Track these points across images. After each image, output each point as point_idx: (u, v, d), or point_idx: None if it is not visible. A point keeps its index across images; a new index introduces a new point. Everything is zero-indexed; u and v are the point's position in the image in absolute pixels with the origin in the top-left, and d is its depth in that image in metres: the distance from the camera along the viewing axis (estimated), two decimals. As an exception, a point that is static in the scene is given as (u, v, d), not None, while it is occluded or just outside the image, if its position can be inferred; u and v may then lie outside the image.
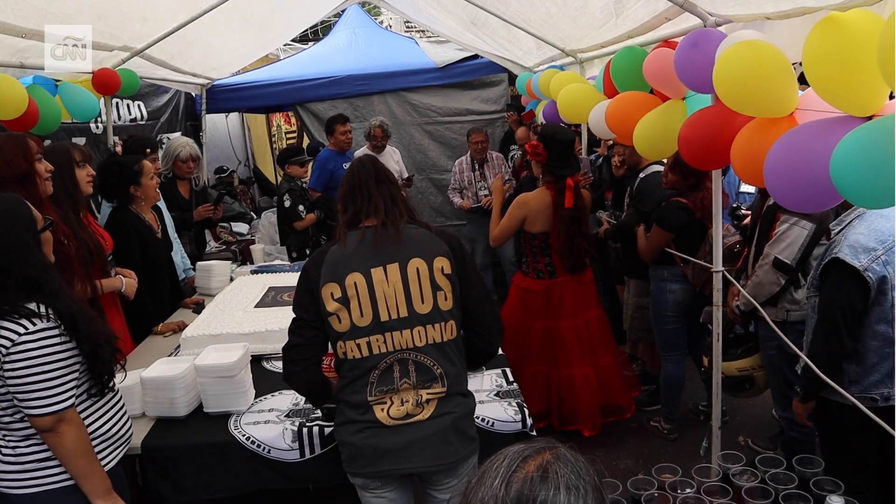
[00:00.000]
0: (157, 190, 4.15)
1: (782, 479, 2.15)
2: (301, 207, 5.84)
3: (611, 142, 5.00)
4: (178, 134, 6.89)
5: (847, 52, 1.82)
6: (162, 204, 4.70)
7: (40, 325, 2.03)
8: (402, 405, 2.26)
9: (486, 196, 6.52)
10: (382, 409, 2.26)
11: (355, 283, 2.23)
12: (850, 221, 2.62)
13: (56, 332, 2.06)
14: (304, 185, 6.00)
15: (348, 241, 2.30)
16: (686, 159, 2.95)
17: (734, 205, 4.59)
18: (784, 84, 2.24)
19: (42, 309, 2.05)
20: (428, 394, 2.27)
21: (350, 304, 2.23)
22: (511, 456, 1.02)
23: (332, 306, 2.24)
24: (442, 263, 2.28)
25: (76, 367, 2.13)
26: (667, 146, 3.25)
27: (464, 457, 2.30)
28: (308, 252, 5.84)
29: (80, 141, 4.94)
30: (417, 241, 2.30)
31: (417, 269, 2.25)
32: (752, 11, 2.74)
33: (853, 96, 1.88)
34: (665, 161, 4.09)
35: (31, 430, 2.11)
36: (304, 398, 2.95)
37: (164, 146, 5.49)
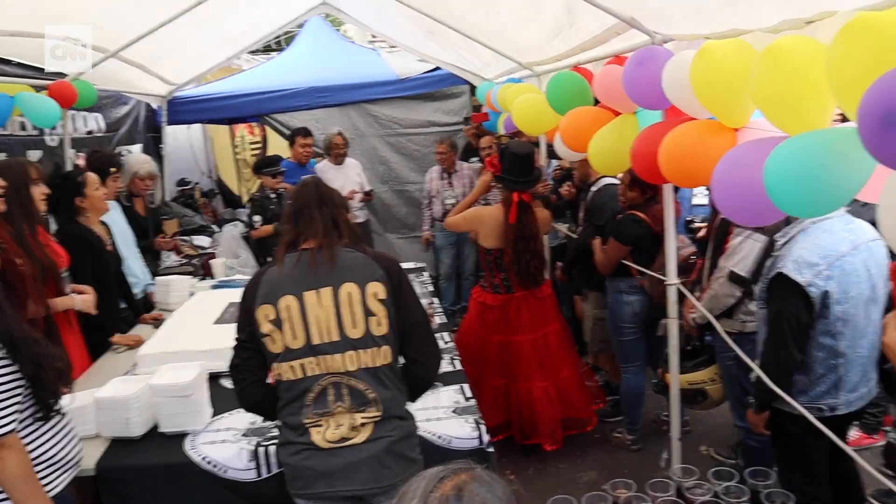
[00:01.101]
0: (105, 202, 4.09)
1: (735, 493, 2.19)
2: (257, 217, 5.89)
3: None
4: (138, 147, 6.79)
5: (791, 77, 1.89)
6: (120, 216, 4.65)
7: None
8: (338, 428, 2.27)
9: (451, 204, 6.56)
10: (318, 432, 2.27)
11: (288, 306, 2.24)
12: (794, 235, 2.67)
13: None
14: (270, 195, 6.00)
15: (285, 264, 2.31)
16: (640, 174, 3.00)
17: (688, 218, 4.67)
18: (745, 95, 2.30)
19: None
20: (363, 417, 2.28)
21: (283, 326, 2.24)
22: (429, 477, 1.06)
23: (266, 328, 2.25)
24: (376, 289, 2.27)
25: (17, 390, 2.08)
26: (622, 161, 3.30)
27: (402, 479, 2.30)
28: (268, 261, 5.84)
29: (35, 154, 4.84)
30: (352, 265, 2.30)
31: (350, 293, 2.25)
32: (691, 31, 2.83)
33: (796, 118, 1.95)
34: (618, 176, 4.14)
35: None
36: (261, 417, 2.95)
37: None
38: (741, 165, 2.08)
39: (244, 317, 2.31)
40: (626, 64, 2.90)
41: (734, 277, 3.39)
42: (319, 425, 2.28)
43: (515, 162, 4.09)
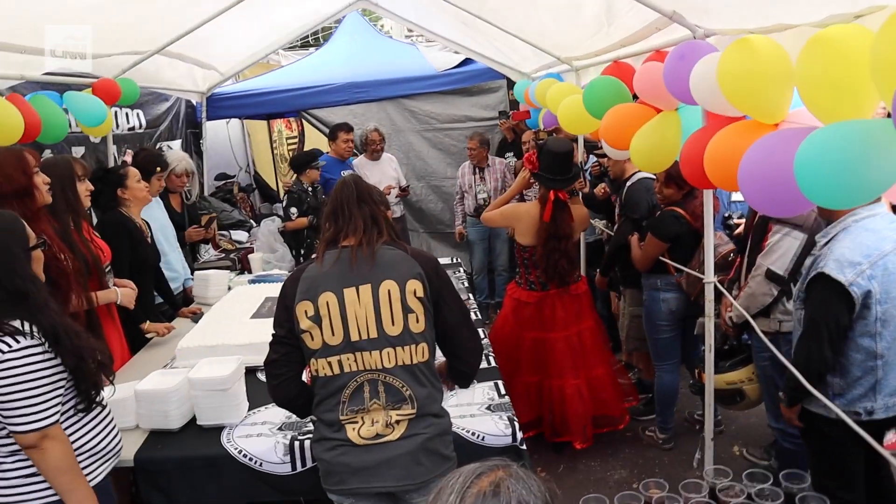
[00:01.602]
0: (147, 193, 4.19)
1: (769, 495, 2.16)
2: (294, 210, 5.98)
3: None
4: (178, 143, 6.91)
5: (835, 68, 1.86)
6: (161, 213, 4.74)
7: (24, 342, 2.05)
8: (373, 425, 2.29)
9: (483, 199, 6.59)
10: (354, 429, 2.30)
11: (328, 303, 2.26)
12: (836, 235, 2.62)
13: (40, 349, 2.08)
14: (308, 189, 6.09)
15: (325, 260, 2.33)
16: (692, 181, 2.95)
17: (726, 214, 4.60)
18: (783, 89, 2.26)
19: (26, 326, 2.07)
20: (398, 415, 2.30)
21: (322, 322, 2.26)
22: (465, 474, 1.07)
23: (305, 324, 2.27)
24: (415, 286, 2.29)
25: (61, 383, 2.14)
26: (664, 158, 3.27)
27: (436, 476, 2.32)
28: (302, 254, 6.05)
29: (79, 150, 4.96)
30: (392, 262, 2.32)
31: (389, 291, 2.27)
32: (736, 26, 2.78)
33: (842, 110, 1.91)
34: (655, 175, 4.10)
35: (17, 447, 2.12)
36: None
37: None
38: (769, 154, 2.05)
39: (283, 312, 2.34)
40: (668, 59, 2.86)
41: (771, 275, 3.34)
42: (355, 422, 2.30)
43: (553, 160, 4.06)
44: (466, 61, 7.49)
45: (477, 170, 6.74)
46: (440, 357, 2.56)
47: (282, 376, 2.37)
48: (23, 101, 3.50)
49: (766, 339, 3.04)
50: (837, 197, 1.81)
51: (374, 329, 2.26)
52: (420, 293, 2.29)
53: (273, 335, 2.38)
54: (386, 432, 2.29)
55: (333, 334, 2.27)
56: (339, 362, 2.28)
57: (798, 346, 2.71)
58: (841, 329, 2.57)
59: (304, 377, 2.46)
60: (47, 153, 4.40)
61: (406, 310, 2.28)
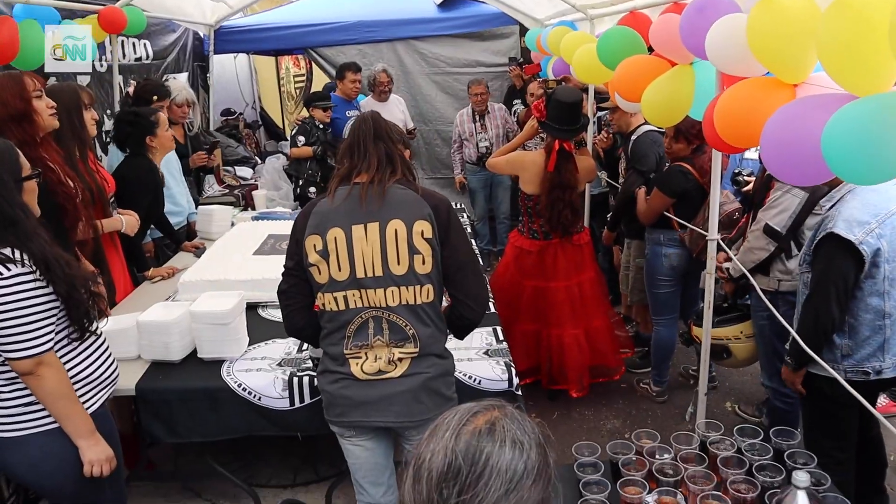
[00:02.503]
0: (172, 141, 4.18)
1: (759, 450, 2.19)
2: (301, 139, 6.04)
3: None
4: (184, 76, 6.82)
5: (859, 31, 1.81)
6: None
7: (15, 270, 2.05)
8: (376, 361, 2.31)
9: (486, 147, 6.55)
10: (357, 364, 2.32)
11: (336, 238, 2.26)
12: (843, 196, 2.63)
13: (31, 276, 2.08)
14: (318, 125, 6.10)
15: (336, 196, 2.32)
16: (713, 145, 2.89)
17: (736, 170, 4.56)
18: (808, 47, 2.20)
19: (17, 254, 2.06)
20: (400, 352, 2.32)
21: (329, 257, 2.27)
22: (461, 412, 1.11)
23: (313, 258, 2.28)
24: (423, 227, 2.28)
25: (53, 311, 2.15)
26: (676, 112, 3.22)
27: (436, 415, 2.34)
28: (300, 186, 6.12)
29: (84, 79, 4.90)
30: (401, 202, 2.30)
31: (396, 230, 2.26)
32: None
33: (861, 76, 1.87)
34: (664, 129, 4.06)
35: (14, 374, 2.14)
36: (296, 348, 3.03)
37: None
38: (796, 121, 2.01)
39: (293, 245, 2.36)
40: (685, 10, 2.79)
41: (769, 231, 3.34)
42: (358, 357, 2.33)
43: (561, 109, 4.00)
44: (471, 1, 7.36)
45: (477, 116, 6.66)
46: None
47: (291, 306, 2.40)
48: (4, 23, 3.39)
49: (763, 296, 3.05)
50: (867, 174, 1.76)
51: (379, 267, 2.27)
52: (428, 234, 2.28)
53: (284, 265, 2.40)
54: (388, 369, 2.31)
55: (340, 270, 2.27)
56: (345, 298, 2.29)
57: (805, 307, 2.72)
58: (848, 288, 2.59)
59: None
60: (52, 81, 4.36)
61: (412, 250, 2.27)
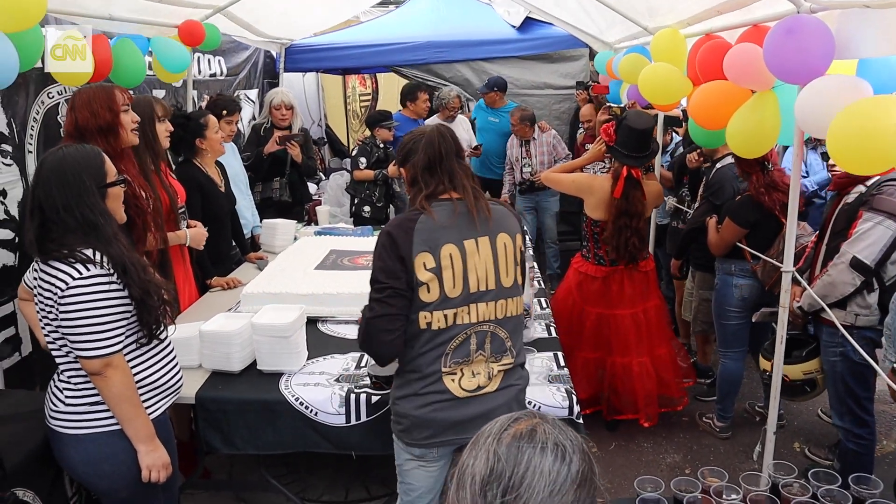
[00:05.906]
0: (222, 144, 4.24)
1: (836, 497, 2.06)
2: (362, 160, 6.08)
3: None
4: (254, 93, 6.98)
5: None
6: (235, 159, 4.82)
7: (94, 270, 2.10)
8: (474, 377, 2.30)
9: (529, 173, 6.62)
10: (453, 380, 2.28)
11: (451, 255, 2.23)
12: None
13: (108, 278, 2.13)
14: (379, 145, 6.15)
15: (438, 213, 2.25)
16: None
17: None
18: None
19: (97, 256, 2.12)
20: (499, 366, 2.33)
21: (443, 274, 2.21)
22: (503, 420, 1.13)
23: (424, 276, 2.20)
24: (521, 240, 2.37)
25: (126, 314, 2.19)
26: (764, 142, 3.12)
27: None
28: (356, 206, 6.15)
29: (160, 93, 5.04)
30: (502, 215, 2.36)
31: (505, 243, 2.31)
32: (845, -1, 2.59)
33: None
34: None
35: (84, 374, 2.19)
36: (354, 364, 3.01)
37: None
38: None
39: (397, 263, 2.21)
40: (771, 32, 2.71)
41: (857, 264, 3.17)
42: (454, 374, 2.28)
43: (631, 135, 3.91)
44: (540, 23, 7.36)
45: (523, 143, 6.68)
46: None
47: (396, 331, 2.23)
48: (100, 42, 3.50)
49: (844, 330, 2.91)
50: None
51: (493, 281, 2.28)
52: (521, 247, 2.37)
53: (383, 288, 2.22)
54: (486, 384, 2.31)
55: (454, 287, 2.23)
56: (455, 315, 2.25)
57: None
58: None
59: None
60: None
61: (516, 262, 2.34)
